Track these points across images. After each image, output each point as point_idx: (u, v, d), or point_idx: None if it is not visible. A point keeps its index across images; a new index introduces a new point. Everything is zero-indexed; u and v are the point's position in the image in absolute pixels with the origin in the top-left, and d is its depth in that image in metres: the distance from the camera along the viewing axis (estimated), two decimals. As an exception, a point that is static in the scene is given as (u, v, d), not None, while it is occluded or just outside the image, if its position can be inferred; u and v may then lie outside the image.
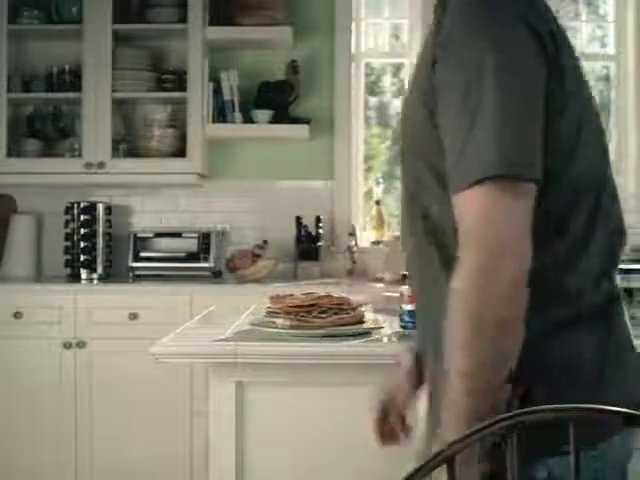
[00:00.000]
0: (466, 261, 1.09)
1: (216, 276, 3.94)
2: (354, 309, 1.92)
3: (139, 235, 3.98)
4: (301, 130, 3.98)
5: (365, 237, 4.25)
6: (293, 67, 4.04)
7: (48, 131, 4.04)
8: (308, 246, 4.01)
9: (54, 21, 3.95)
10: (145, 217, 4.18)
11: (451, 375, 1.11)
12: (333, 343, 1.79)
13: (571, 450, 1.00)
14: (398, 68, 4.43)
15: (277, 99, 4.00)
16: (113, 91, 3.87)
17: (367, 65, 4.41)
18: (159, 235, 3.99)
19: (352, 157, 4.21)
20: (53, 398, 3.56)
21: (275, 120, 3.98)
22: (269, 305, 1.96)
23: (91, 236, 3.91)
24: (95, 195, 4.12)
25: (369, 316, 2.06)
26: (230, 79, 3.98)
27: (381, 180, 4.27)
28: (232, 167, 4.19)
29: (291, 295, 1.96)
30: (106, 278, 3.93)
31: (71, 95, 3.94)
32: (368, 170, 4.39)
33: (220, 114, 3.98)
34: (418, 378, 1.39)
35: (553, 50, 1.13)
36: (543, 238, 1.12)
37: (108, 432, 3.55)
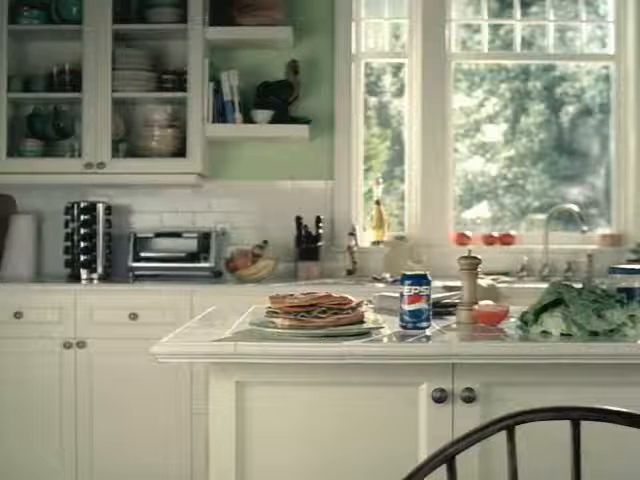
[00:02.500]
0: None
1: (216, 276, 3.94)
2: (354, 309, 1.92)
3: (139, 235, 3.98)
4: (301, 130, 3.98)
5: (365, 237, 4.26)
6: (293, 67, 4.05)
7: (48, 131, 4.04)
8: (308, 246, 4.01)
9: (54, 21, 3.95)
10: (145, 217, 4.18)
11: None
12: (333, 343, 1.79)
13: (571, 450, 1.00)
14: (398, 68, 4.43)
15: (277, 99, 4.01)
16: (113, 91, 3.87)
17: (367, 65, 4.41)
18: (159, 235, 3.99)
19: (352, 157, 4.21)
20: (53, 398, 3.56)
21: (275, 120, 3.98)
22: (269, 305, 1.96)
23: (91, 236, 3.92)
24: (95, 195, 4.12)
25: (369, 316, 2.06)
26: (230, 79, 3.98)
27: (381, 180, 4.27)
28: (232, 167, 4.19)
29: (291, 295, 1.95)
30: (106, 278, 3.94)
31: (71, 95, 3.94)
32: (368, 170, 4.39)
33: (220, 114, 3.97)
34: None
35: None
36: None
37: (108, 432, 3.56)
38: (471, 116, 4.48)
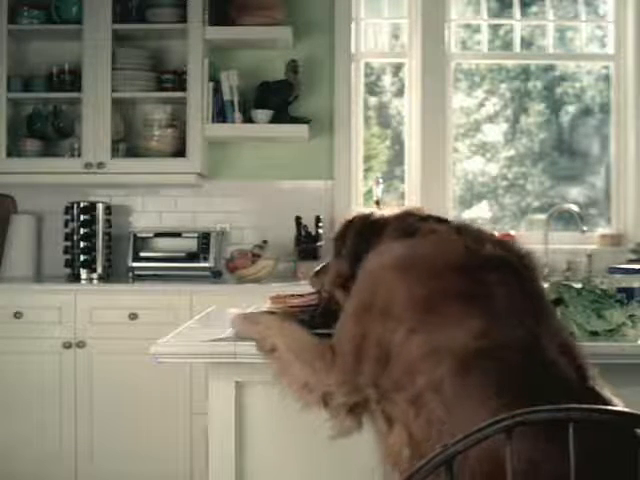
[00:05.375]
0: None
1: (216, 276, 3.93)
2: (354, 309, 1.92)
3: (139, 235, 3.98)
4: (301, 130, 3.97)
5: (365, 237, 4.24)
6: (293, 67, 4.04)
7: (48, 131, 4.04)
8: (308, 246, 4.00)
9: (54, 21, 3.95)
10: (145, 217, 4.18)
11: None
12: (333, 343, 1.79)
13: (571, 450, 0.99)
14: (398, 68, 4.42)
15: (277, 99, 4.00)
16: (113, 91, 3.87)
17: (367, 65, 4.41)
18: (159, 235, 3.99)
19: (352, 157, 4.21)
20: (53, 398, 3.56)
21: (275, 120, 3.98)
22: (269, 305, 1.96)
23: (91, 236, 3.91)
24: (95, 195, 4.12)
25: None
26: (230, 79, 3.98)
27: (381, 180, 4.26)
28: (232, 167, 4.19)
29: (291, 295, 1.95)
30: (106, 278, 3.93)
31: (71, 95, 3.94)
32: (368, 170, 4.39)
33: (220, 114, 3.97)
34: None
35: None
36: None
37: (108, 432, 3.55)
38: (471, 116, 4.48)
